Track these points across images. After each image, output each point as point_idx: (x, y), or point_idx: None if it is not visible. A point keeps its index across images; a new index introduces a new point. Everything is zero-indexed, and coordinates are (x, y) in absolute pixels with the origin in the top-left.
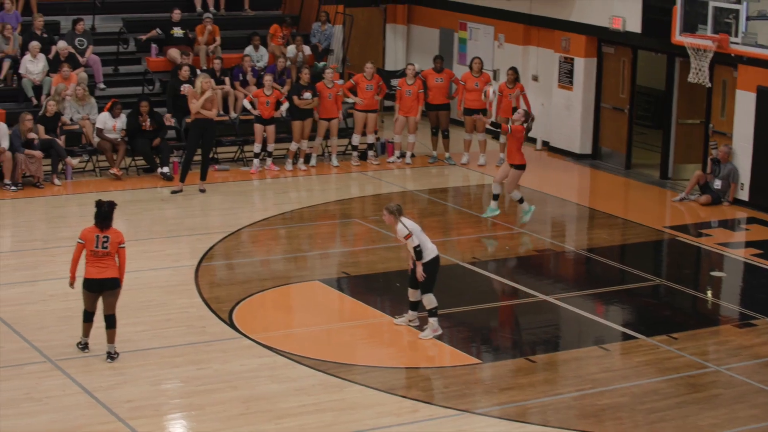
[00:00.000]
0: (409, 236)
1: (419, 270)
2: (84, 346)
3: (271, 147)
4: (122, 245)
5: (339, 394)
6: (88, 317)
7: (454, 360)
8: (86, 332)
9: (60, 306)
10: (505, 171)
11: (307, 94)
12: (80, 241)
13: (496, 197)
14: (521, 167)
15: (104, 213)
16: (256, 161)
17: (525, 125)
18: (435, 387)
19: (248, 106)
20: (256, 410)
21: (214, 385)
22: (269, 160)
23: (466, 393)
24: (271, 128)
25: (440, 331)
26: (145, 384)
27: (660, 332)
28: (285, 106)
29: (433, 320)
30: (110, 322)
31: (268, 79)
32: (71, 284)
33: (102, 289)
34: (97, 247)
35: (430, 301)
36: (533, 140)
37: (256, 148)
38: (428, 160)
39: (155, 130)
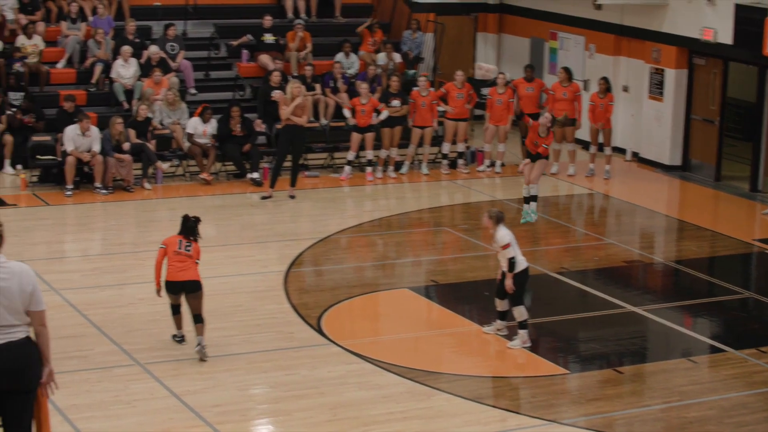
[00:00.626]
0: (507, 246)
1: (509, 282)
2: (181, 339)
3: (369, 155)
4: (197, 261)
5: (426, 402)
6: (175, 310)
7: (541, 369)
8: (178, 325)
9: (149, 309)
10: (528, 170)
11: (396, 102)
12: (162, 246)
13: (532, 199)
14: (536, 156)
15: (190, 227)
16: (347, 168)
17: (551, 127)
18: (522, 396)
19: (348, 115)
20: (344, 417)
21: (302, 391)
22: (369, 169)
23: (553, 403)
24: (368, 136)
25: (529, 344)
26: (232, 389)
27: (748, 346)
28: (384, 114)
29: (523, 332)
30: (198, 319)
31: (364, 87)
32: (158, 292)
33: (183, 291)
34: (180, 249)
35: (520, 313)
36: (623, 151)
37: (350, 155)
38: (518, 169)
39: (245, 136)
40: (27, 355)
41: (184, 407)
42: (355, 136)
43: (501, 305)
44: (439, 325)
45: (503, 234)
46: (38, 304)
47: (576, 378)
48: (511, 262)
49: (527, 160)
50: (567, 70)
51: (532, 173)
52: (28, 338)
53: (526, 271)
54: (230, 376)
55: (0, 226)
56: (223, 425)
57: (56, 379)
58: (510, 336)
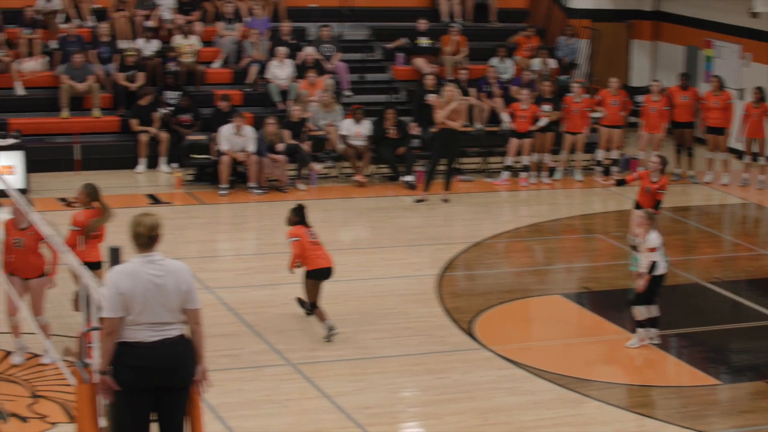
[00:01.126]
0: (654, 250)
1: (643, 282)
2: (331, 329)
3: (525, 160)
4: None
5: (577, 409)
6: (315, 306)
7: (692, 380)
8: (324, 316)
9: (299, 310)
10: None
11: (547, 107)
12: (297, 238)
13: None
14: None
15: (303, 214)
16: (504, 173)
17: (663, 169)
18: (673, 406)
19: (506, 120)
20: (494, 422)
21: (453, 395)
22: (524, 174)
23: (704, 414)
24: (526, 142)
25: (647, 342)
26: (383, 391)
27: None
28: (543, 120)
29: (641, 330)
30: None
31: (525, 93)
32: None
33: (329, 277)
34: (312, 238)
35: (640, 312)
36: None
37: (508, 160)
38: (671, 177)
39: (400, 139)
40: (181, 353)
41: (334, 408)
42: (513, 142)
43: (644, 313)
44: (591, 332)
45: (654, 237)
46: (194, 303)
47: (727, 389)
48: (653, 266)
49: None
50: (718, 79)
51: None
52: (182, 336)
53: (663, 276)
54: (381, 378)
55: (158, 227)
56: (373, 427)
57: (209, 377)
58: (664, 345)
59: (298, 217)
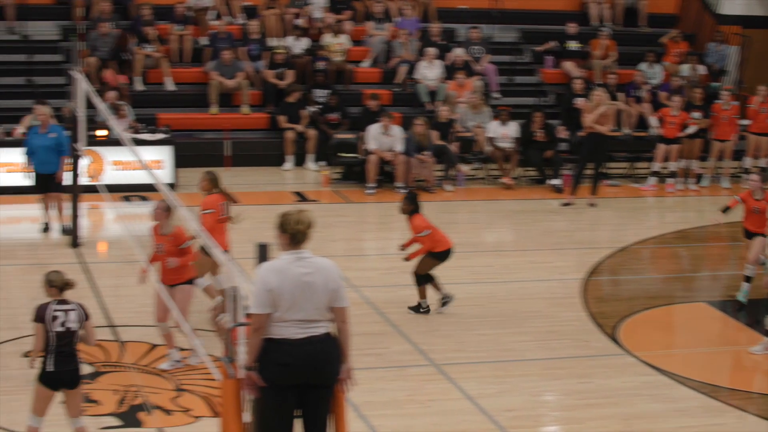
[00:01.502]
0: None
1: None
2: (427, 310)
3: (673, 166)
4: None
5: (720, 418)
6: (431, 278)
7: None
8: (424, 294)
9: (448, 311)
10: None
11: (697, 114)
12: (428, 231)
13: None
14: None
15: (418, 201)
16: (651, 179)
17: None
18: None
19: (655, 125)
20: (637, 429)
21: (595, 401)
22: (671, 180)
23: None
24: (674, 148)
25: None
26: (526, 394)
27: None
28: (692, 128)
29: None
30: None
31: (677, 100)
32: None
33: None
34: (431, 222)
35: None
36: None
37: (656, 166)
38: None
39: (548, 142)
40: (328, 351)
41: (477, 410)
42: (662, 147)
43: None
44: (736, 341)
45: None
46: (342, 301)
47: None
48: None
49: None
50: None
51: (751, 252)
52: (329, 334)
53: None
54: (524, 381)
55: (309, 226)
56: (515, 430)
57: (354, 375)
58: None
59: (413, 204)
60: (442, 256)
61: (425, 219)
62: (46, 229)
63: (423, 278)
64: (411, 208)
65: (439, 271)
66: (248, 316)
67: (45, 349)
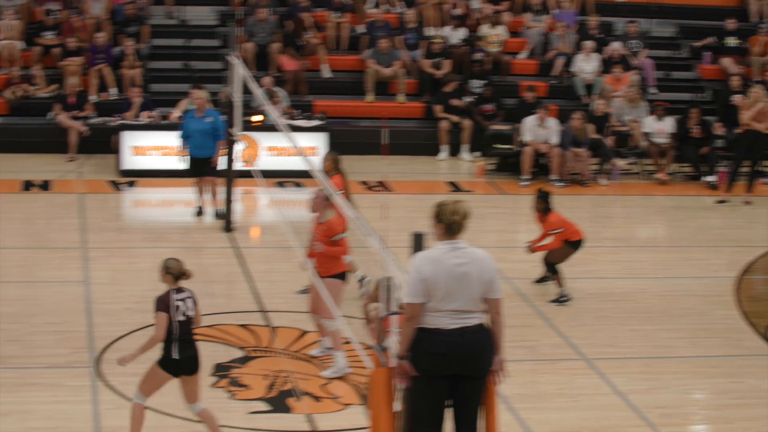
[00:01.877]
0: None
1: None
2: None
3: None
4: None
5: None
6: (556, 271)
7: None
8: (562, 282)
9: (598, 306)
10: None
11: None
12: (560, 229)
13: None
14: None
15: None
16: None
17: None
18: None
19: None
20: None
21: (747, 401)
22: None
23: None
24: None
25: None
26: (677, 391)
27: None
28: None
29: None
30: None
31: None
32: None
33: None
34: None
35: None
36: None
37: None
38: None
39: (704, 138)
40: (481, 342)
41: (626, 406)
42: None
43: None
44: None
45: None
46: (496, 292)
47: None
48: None
49: None
50: None
51: None
52: (482, 325)
53: None
54: (675, 378)
55: (465, 216)
56: (664, 428)
57: (506, 367)
58: None
59: (546, 203)
60: (577, 245)
61: (559, 216)
62: (200, 213)
63: (554, 267)
64: (544, 206)
65: (593, 266)
66: (402, 305)
67: (168, 337)
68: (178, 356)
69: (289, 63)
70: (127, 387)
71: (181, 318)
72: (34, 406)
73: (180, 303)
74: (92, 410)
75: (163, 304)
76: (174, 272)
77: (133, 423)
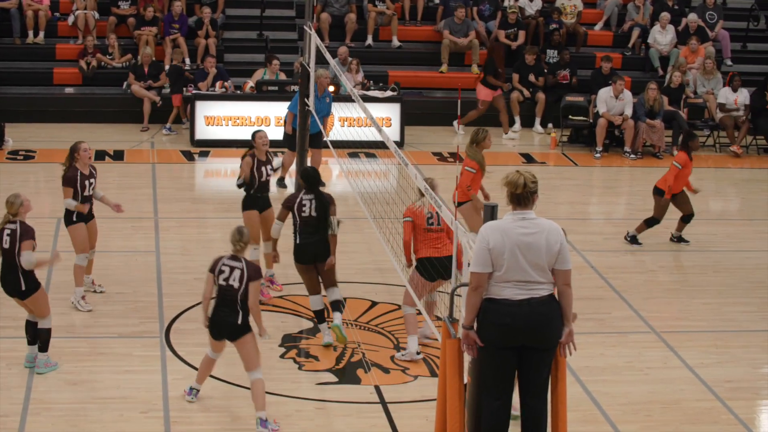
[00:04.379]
0: None
1: None
2: None
3: None
4: None
5: None
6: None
7: None
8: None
9: (666, 278)
10: None
11: None
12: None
13: None
14: None
15: None
16: None
17: None
18: None
19: None
20: None
21: None
22: None
23: None
24: None
25: None
26: (746, 365)
27: None
28: None
29: None
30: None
31: None
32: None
33: None
34: None
35: None
36: None
37: None
38: None
39: None
40: (548, 313)
41: (695, 379)
42: None
43: None
44: None
45: None
46: (564, 263)
47: None
48: None
49: None
50: None
51: None
52: (551, 296)
53: None
54: (745, 352)
55: (535, 183)
56: (733, 402)
57: (574, 339)
58: None
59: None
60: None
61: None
62: (282, 184)
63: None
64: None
65: (664, 238)
66: (470, 274)
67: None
68: (212, 316)
69: None
70: (195, 357)
71: (221, 283)
72: (104, 376)
73: (225, 269)
74: (161, 380)
75: (212, 265)
76: (231, 239)
77: (201, 368)
